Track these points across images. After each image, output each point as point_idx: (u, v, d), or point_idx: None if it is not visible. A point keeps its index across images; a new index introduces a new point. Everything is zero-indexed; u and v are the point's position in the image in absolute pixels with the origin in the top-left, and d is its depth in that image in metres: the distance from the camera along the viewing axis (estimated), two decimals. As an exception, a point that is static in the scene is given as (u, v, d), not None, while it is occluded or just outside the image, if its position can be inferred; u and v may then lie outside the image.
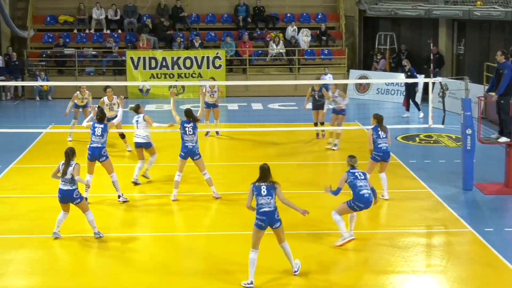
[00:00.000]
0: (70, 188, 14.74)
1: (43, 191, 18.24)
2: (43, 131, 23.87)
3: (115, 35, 35.83)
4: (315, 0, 37.95)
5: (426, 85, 28.07)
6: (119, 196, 17.66)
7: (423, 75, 30.78)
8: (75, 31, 36.46)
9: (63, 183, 14.77)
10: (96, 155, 17.44)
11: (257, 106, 31.49)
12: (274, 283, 12.98)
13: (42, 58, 34.86)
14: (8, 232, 15.71)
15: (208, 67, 34.17)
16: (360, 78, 34.26)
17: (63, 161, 14.81)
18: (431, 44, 29.80)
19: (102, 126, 17.60)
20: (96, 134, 17.45)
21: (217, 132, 24.93)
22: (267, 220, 12.79)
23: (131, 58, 33.99)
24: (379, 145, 17.51)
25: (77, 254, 14.53)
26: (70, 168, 14.71)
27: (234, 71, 35.47)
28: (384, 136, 17.49)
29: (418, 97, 29.49)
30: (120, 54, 34.57)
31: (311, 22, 37.23)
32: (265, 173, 12.97)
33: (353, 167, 14.59)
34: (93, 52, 35.17)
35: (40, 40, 36.12)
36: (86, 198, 16.21)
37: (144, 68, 34.09)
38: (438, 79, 22.08)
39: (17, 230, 15.84)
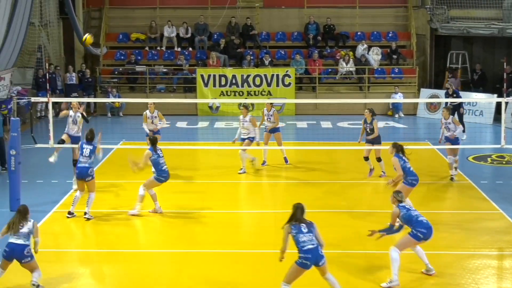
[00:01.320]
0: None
1: (112, 206, 18.41)
2: (114, 147, 24.14)
3: (186, 53, 36.15)
4: (386, 18, 37.73)
5: (498, 105, 27.61)
6: (85, 213, 17.69)
7: (495, 95, 30.31)
8: (147, 48, 36.91)
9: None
10: (83, 174, 17.73)
11: (326, 124, 31.38)
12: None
13: (114, 75, 35.37)
14: (79, 247, 15.89)
15: (277, 85, 34.22)
16: (431, 97, 33.89)
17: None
18: (505, 63, 29.31)
19: (90, 147, 17.91)
20: (84, 154, 17.79)
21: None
22: (313, 258, 12.22)
23: (202, 75, 34.24)
24: (411, 169, 17.06)
25: (145, 268, 14.61)
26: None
27: (304, 89, 35.44)
28: (408, 160, 17.18)
29: (490, 118, 29.05)
30: (191, 72, 34.85)
31: (382, 41, 37.02)
32: (299, 212, 12.53)
33: (401, 202, 14.02)
34: (164, 70, 35.53)
35: (112, 57, 36.68)
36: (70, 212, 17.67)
37: (214, 86, 34.30)
38: (511, 99, 21.74)
39: (88, 244, 16.01)
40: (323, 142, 25.23)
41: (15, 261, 13.19)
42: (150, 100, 25.66)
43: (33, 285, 13.04)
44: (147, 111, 22.63)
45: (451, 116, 21.26)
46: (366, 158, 21.52)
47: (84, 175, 17.74)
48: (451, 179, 21.26)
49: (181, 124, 31.18)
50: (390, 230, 13.84)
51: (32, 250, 13.23)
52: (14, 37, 30.60)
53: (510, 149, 22.73)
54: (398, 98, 33.04)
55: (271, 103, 23.81)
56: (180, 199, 19.62)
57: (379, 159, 21.47)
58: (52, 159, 20.49)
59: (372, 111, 21.46)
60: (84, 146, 17.96)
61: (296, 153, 25.02)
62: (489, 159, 24.59)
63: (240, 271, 14.48)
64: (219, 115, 33.68)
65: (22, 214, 13.36)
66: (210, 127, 30.94)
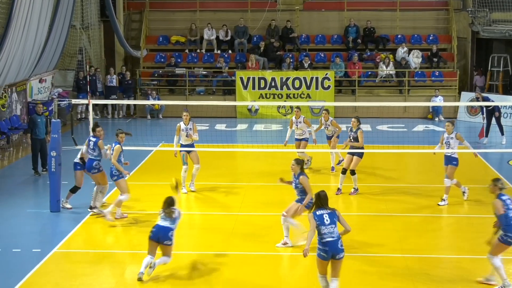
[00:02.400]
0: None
1: (150, 207, 18.48)
2: (153, 149, 24.23)
3: (226, 55, 36.23)
4: (426, 21, 37.51)
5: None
6: (90, 207, 18.29)
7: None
8: (187, 51, 37.05)
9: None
10: (88, 167, 18.13)
11: (365, 127, 31.09)
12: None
13: (154, 77, 35.56)
14: (118, 248, 15.98)
15: (317, 88, 34.17)
16: (472, 100, 33.58)
17: None
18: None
19: (94, 140, 18.08)
20: (90, 146, 18.13)
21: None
22: (330, 251, 12.18)
23: (241, 78, 34.29)
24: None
25: (184, 270, 14.63)
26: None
27: (343, 92, 35.35)
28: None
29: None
30: (230, 74, 34.92)
31: (422, 43, 36.80)
32: (323, 201, 12.49)
33: (502, 190, 13.44)
34: (204, 72, 35.62)
35: (152, 59, 36.87)
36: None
37: (253, 88, 34.33)
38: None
39: (127, 245, 16.10)
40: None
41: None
42: (189, 103, 25.81)
43: (151, 267, 13.97)
44: (181, 123, 20.95)
45: (454, 132, 19.41)
46: (345, 171, 20.30)
47: (88, 168, 18.12)
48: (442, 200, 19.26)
49: (220, 126, 31.24)
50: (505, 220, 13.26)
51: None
52: (55, 39, 30.92)
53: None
54: (438, 102, 32.79)
55: (327, 111, 23.13)
56: (218, 201, 19.67)
57: (353, 172, 20.21)
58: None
59: (359, 120, 20.40)
60: (90, 139, 18.22)
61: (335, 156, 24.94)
62: (530, 163, 24.32)
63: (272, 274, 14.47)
64: (258, 118, 33.72)
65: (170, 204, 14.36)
66: (249, 129, 30.94)
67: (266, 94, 34.37)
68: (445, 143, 19.37)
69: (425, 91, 34.74)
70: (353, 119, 20.44)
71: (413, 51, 35.74)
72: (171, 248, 14.22)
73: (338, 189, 20.34)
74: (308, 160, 22.61)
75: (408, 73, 34.80)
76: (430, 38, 36.70)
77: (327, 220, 12.23)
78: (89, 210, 18.22)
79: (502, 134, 27.82)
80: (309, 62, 35.11)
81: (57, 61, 32.52)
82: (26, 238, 16.59)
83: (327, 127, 23.13)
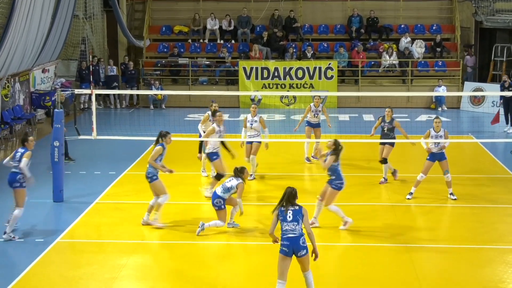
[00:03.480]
0: None
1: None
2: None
3: (229, 45, 36.19)
4: (430, 11, 37.42)
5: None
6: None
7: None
8: (190, 41, 37.03)
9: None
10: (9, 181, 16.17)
11: (368, 117, 31.21)
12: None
13: (157, 67, 35.55)
14: (121, 237, 16.01)
15: (320, 78, 34.15)
16: (475, 90, 33.55)
17: None
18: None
19: (22, 150, 16.20)
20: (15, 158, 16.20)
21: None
22: (291, 246, 11.93)
23: (244, 68, 34.28)
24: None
25: (188, 260, 14.66)
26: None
27: (346, 82, 35.33)
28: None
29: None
30: (233, 64, 34.90)
31: (426, 33, 36.74)
32: (290, 197, 12.22)
33: None
34: (207, 62, 35.62)
35: (155, 49, 36.86)
36: None
37: (256, 78, 34.32)
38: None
39: (130, 235, 16.13)
40: (365, 135, 25.01)
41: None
42: (191, 93, 25.77)
43: (200, 226, 15.84)
44: (248, 115, 20.50)
45: (442, 129, 18.79)
46: (385, 160, 20.27)
47: (10, 182, 16.21)
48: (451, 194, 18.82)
49: (223, 116, 31.17)
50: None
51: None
52: (58, 29, 30.91)
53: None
54: (442, 91, 32.76)
55: (320, 97, 22.66)
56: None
57: (384, 161, 20.26)
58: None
59: (393, 110, 20.38)
60: (18, 150, 16.41)
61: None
62: (534, 153, 24.29)
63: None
64: (261, 108, 33.65)
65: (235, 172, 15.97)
66: (252, 119, 30.87)
67: (269, 84, 34.36)
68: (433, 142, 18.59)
69: (428, 81, 34.72)
70: (387, 109, 20.26)
71: (416, 41, 35.69)
72: (222, 213, 15.92)
73: (384, 178, 20.35)
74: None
75: (411, 63, 34.76)
76: (434, 28, 36.63)
77: (289, 217, 12.05)
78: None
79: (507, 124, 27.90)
80: (312, 52, 35.07)
81: (60, 51, 32.53)
82: (29, 228, 16.60)
83: (316, 114, 22.44)
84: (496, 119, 28.05)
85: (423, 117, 31.21)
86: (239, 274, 13.91)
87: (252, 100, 34.10)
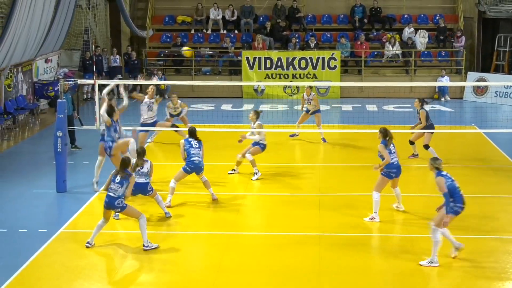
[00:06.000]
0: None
1: (156, 187, 18.50)
2: (158, 129, 24.21)
3: (232, 35, 36.16)
4: (433, 1, 37.36)
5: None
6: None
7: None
8: (192, 31, 36.99)
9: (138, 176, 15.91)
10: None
11: (371, 107, 31.21)
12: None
13: (160, 57, 35.53)
14: (124, 228, 16.04)
15: (323, 68, 34.11)
16: (478, 80, 33.51)
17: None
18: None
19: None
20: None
21: (323, 139, 24.18)
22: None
23: (247, 58, 34.24)
24: (392, 160, 16.25)
25: (191, 250, 14.68)
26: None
27: (349, 72, 35.29)
28: (394, 151, 16.48)
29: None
30: (236, 54, 34.87)
31: (429, 23, 36.67)
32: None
33: (439, 169, 13.68)
34: (210, 52, 35.58)
35: (158, 40, 36.84)
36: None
37: (259, 68, 34.29)
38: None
39: (133, 226, 16.16)
40: (368, 125, 25.02)
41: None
42: (195, 83, 25.78)
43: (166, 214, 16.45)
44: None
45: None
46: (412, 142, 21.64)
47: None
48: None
49: (226, 106, 31.23)
50: (447, 200, 13.44)
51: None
52: (61, 19, 30.90)
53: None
54: (445, 82, 32.71)
55: (310, 87, 24.42)
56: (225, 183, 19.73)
57: (426, 147, 21.08)
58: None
59: (421, 101, 21.49)
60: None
61: (341, 136, 24.94)
62: (537, 143, 24.27)
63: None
64: (264, 98, 33.70)
65: (141, 155, 16.01)
66: (255, 109, 30.84)
67: (272, 74, 34.33)
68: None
69: (431, 71, 34.68)
70: (416, 100, 21.42)
71: (419, 31, 35.62)
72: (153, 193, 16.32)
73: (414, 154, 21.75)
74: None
75: (414, 53, 34.71)
76: (437, 18, 36.54)
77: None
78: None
79: None
80: (315, 42, 35.03)
81: (63, 41, 32.52)
82: (33, 218, 16.65)
83: (310, 102, 24.18)
84: None
85: (426, 107, 31.09)
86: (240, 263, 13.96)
87: (255, 90, 34.09)
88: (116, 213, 15.66)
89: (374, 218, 16.16)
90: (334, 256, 14.22)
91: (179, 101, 24.03)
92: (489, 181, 19.70)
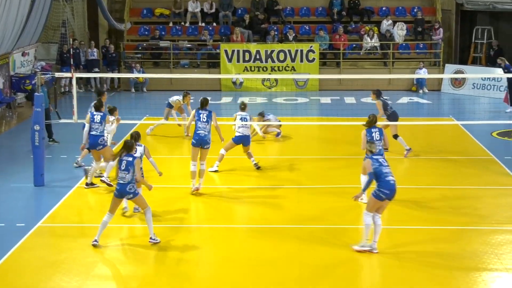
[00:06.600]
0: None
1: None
2: (137, 122, 24.19)
3: (210, 28, 36.08)
4: (411, -7, 37.48)
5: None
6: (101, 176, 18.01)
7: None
8: (171, 24, 36.87)
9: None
10: (94, 143, 17.87)
11: (350, 99, 31.29)
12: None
13: (138, 50, 35.39)
14: (100, 221, 16.02)
15: (301, 61, 34.11)
16: (456, 72, 33.65)
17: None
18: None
19: (101, 114, 17.99)
20: (95, 121, 17.86)
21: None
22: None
23: (225, 51, 34.18)
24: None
25: (169, 243, 14.66)
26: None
27: (328, 64, 35.32)
28: (378, 139, 16.60)
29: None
30: (214, 47, 34.80)
31: (407, 16, 36.75)
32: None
33: (372, 153, 14.12)
34: (188, 45, 35.49)
35: (136, 32, 36.69)
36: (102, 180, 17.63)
37: (238, 61, 34.24)
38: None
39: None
40: (347, 117, 25.10)
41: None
42: (173, 76, 25.74)
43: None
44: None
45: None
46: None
47: (95, 145, 17.86)
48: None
49: (205, 99, 31.20)
50: (369, 180, 13.88)
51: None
52: (38, 12, 30.69)
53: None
54: (423, 74, 32.81)
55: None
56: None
57: (395, 136, 21.16)
58: None
59: (374, 93, 21.57)
60: (95, 113, 17.96)
61: (320, 129, 24.99)
62: (513, 134, 24.45)
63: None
64: (243, 91, 33.66)
65: (135, 139, 15.31)
66: (233, 102, 30.89)
67: (250, 67, 34.29)
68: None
69: (409, 64, 34.78)
70: (371, 92, 21.72)
71: (397, 23, 35.69)
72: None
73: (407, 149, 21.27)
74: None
75: (393, 46, 34.79)
76: (415, 10, 36.61)
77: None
78: (101, 179, 17.90)
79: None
80: (293, 34, 35.03)
81: (40, 34, 32.32)
82: (10, 212, 16.56)
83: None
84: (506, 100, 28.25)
85: (404, 100, 31.30)
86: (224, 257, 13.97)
87: (234, 83, 34.05)
88: (136, 208, 15.68)
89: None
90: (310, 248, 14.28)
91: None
92: (467, 172, 19.81)
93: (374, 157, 13.99)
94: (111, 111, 18.73)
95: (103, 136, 17.96)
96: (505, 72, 27.77)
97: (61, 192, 17.88)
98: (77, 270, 13.28)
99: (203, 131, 17.50)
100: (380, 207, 13.94)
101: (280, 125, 23.39)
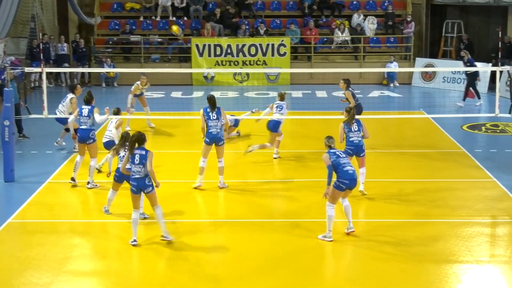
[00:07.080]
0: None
1: (105, 177, 18.40)
2: (108, 117, 23.99)
3: (181, 22, 35.97)
4: (381, -13, 37.59)
5: (493, 74, 27.63)
6: (88, 182, 17.75)
7: (490, 64, 30.34)
8: (141, 18, 36.73)
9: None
10: (84, 137, 17.81)
11: (321, 93, 31.34)
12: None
13: (108, 45, 35.23)
14: (74, 217, 15.92)
15: (272, 55, 34.12)
16: (426, 66, 33.82)
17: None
18: (500, 32, 29.22)
19: (89, 107, 17.99)
20: (83, 114, 17.87)
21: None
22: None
23: (196, 45, 34.11)
24: (351, 139, 16.68)
25: (142, 238, 14.61)
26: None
27: (299, 58, 35.37)
28: (357, 130, 16.74)
29: (485, 86, 29.14)
30: (185, 41, 34.71)
31: (377, 10, 36.87)
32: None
33: (330, 147, 14.51)
34: (159, 39, 35.38)
35: (106, 27, 36.49)
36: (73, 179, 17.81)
37: (209, 55, 34.17)
38: (506, 67, 21.62)
39: (82, 215, 16.04)
40: (318, 111, 25.12)
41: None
42: (144, 70, 25.53)
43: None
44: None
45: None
46: None
47: (85, 138, 17.75)
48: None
49: (176, 94, 31.15)
50: (330, 173, 14.09)
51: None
52: (7, 6, 30.43)
53: (504, 118, 22.63)
54: (393, 67, 32.94)
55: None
56: (176, 170, 19.65)
57: None
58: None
59: (345, 82, 21.70)
60: (83, 107, 17.97)
61: (292, 123, 24.95)
62: (483, 127, 24.60)
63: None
64: (214, 85, 33.62)
65: (125, 140, 14.83)
66: (205, 97, 30.58)
67: (222, 61, 34.24)
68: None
69: (380, 57, 34.89)
70: (341, 81, 21.83)
71: (368, 17, 35.80)
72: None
73: None
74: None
75: (363, 39, 34.90)
76: (385, 4, 36.75)
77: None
78: (87, 186, 17.81)
79: (479, 98, 28.11)
80: (264, 28, 35.03)
81: (9, 28, 32.01)
82: (-20, 208, 16.44)
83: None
84: (470, 95, 28.32)
85: (375, 93, 31.42)
86: (203, 249, 13.94)
87: (205, 77, 33.99)
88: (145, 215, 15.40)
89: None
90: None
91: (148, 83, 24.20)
92: (437, 165, 19.91)
93: (331, 150, 14.38)
94: (116, 114, 18.75)
95: (93, 130, 17.91)
96: (467, 66, 27.90)
97: (32, 188, 17.76)
98: (49, 266, 13.19)
99: (215, 129, 17.41)
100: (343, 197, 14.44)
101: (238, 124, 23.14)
